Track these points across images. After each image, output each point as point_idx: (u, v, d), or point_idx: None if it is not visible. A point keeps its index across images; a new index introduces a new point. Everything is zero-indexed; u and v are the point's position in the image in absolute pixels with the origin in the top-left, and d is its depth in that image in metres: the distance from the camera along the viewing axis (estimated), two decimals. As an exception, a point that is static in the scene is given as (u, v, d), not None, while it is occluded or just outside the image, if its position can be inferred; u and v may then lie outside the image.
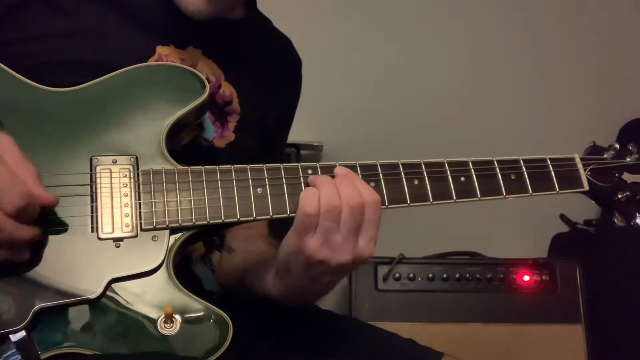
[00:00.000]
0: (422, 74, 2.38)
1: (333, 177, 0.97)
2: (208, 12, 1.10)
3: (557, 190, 1.08)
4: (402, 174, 1.02)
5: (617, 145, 1.13)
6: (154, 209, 0.94)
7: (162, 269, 0.92)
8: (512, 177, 1.06)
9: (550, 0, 2.43)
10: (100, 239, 0.92)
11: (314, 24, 2.27)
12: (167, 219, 0.94)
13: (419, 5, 2.37)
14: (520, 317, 1.86)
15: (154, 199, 0.95)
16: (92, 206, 0.93)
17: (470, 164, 1.05)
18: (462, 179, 1.04)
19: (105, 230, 0.92)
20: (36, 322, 0.87)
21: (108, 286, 0.90)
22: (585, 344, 1.85)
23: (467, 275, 1.90)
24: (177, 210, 0.95)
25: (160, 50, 1.13)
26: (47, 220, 0.88)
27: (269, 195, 0.97)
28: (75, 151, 0.95)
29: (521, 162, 1.07)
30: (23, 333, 0.85)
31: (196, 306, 0.92)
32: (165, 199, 0.95)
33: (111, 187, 0.94)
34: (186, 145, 1.08)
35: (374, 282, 1.88)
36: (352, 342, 1.16)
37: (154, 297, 0.91)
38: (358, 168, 1.01)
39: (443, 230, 2.26)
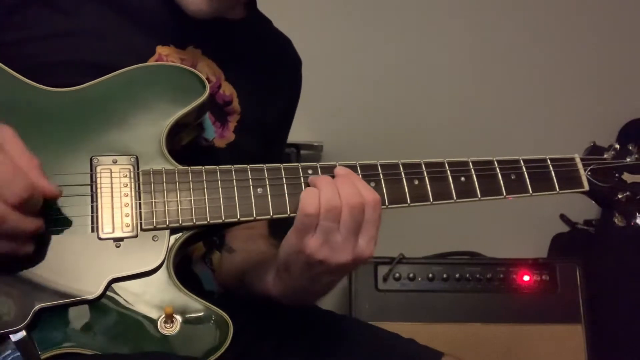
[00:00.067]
0: (422, 74, 2.38)
1: (333, 177, 0.97)
2: (209, 11, 1.10)
3: (557, 190, 1.09)
4: (403, 174, 1.02)
5: (617, 146, 1.13)
6: (154, 209, 0.94)
7: (163, 269, 0.92)
8: (512, 177, 1.06)
9: (550, 0, 2.43)
10: (100, 239, 0.92)
11: (314, 24, 2.27)
12: (167, 219, 0.94)
13: (419, 5, 2.37)
14: (520, 317, 1.86)
15: (154, 199, 0.95)
16: (92, 206, 0.93)
17: (470, 164, 1.05)
18: (463, 179, 1.04)
19: (106, 230, 0.92)
20: (36, 322, 0.87)
21: (108, 286, 0.90)
22: (585, 344, 1.85)
23: (467, 275, 1.90)
24: (178, 210, 0.95)
25: (160, 50, 1.13)
26: (47, 220, 0.88)
27: (269, 195, 0.97)
28: (75, 151, 0.95)
29: (521, 162, 1.07)
30: (23, 333, 0.85)
31: (196, 306, 0.92)
32: (166, 199, 0.95)
33: (111, 187, 0.94)
34: (186, 146, 1.07)
35: (374, 282, 1.88)
36: (352, 342, 1.16)
37: (154, 297, 0.91)
38: (358, 168, 1.01)
39: (443, 230, 2.26)
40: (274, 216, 0.97)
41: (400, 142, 2.23)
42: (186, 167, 0.97)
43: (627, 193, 1.11)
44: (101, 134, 0.97)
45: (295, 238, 0.93)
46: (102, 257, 0.91)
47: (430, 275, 1.89)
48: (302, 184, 0.98)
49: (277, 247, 0.99)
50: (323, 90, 2.07)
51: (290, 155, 2.01)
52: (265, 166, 0.99)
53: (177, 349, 0.89)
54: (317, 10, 2.32)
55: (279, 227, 1.05)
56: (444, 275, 1.89)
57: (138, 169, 0.96)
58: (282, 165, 0.99)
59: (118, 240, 0.92)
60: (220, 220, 0.96)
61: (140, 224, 0.93)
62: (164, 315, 0.90)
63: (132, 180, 0.95)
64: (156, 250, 0.93)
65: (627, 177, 1.12)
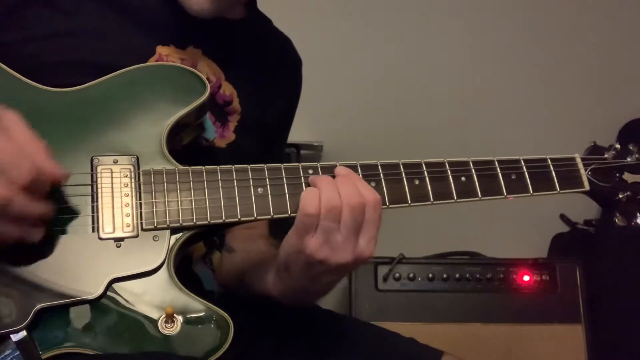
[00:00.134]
0: (422, 74, 2.38)
1: (334, 177, 0.97)
2: (212, 10, 1.10)
3: (558, 190, 1.09)
4: (403, 173, 1.02)
5: (617, 145, 1.13)
6: (154, 209, 0.94)
7: (163, 269, 0.92)
8: (513, 177, 1.06)
9: (550, 0, 2.43)
10: (101, 238, 0.92)
11: (314, 24, 2.27)
12: (167, 219, 0.94)
13: (419, 5, 2.37)
14: (520, 317, 1.86)
15: (155, 199, 0.95)
16: (93, 206, 0.93)
17: (471, 163, 1.05)
18: (463, 178, 1.04)
19: (106, 230, 0.92)
20: (37, 322, 0.87)
21: (109, 286, 0.90)
22: (585, 344, 1.85)
23: (467, 275, 1.90)
24: (178, 210, 0.95)
25: (161, 50, 1.13)
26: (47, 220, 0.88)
27: (269, 195, 0.97)
28: (76, 151, 0.95)
29: (522, 162, 1.07)
30: (24, 333, 0.85)
31: (197, 306, 0.92)
32: (166, 199, 0.95)
33: (112, 187, 0.94)
34: (187, 146, 1.07)
35: (374, 282, 1.88)
36: (352, 342, 1.16)
37: (154, 297, 0.91)
38: (359, 168, 1.01)
39: (443, 230, 2.26)
40: (275, 216, 0.97)
41: (400, 142, 2.23)
42: (187, 167, 0.97)
43: (628, 193, 1.11)
44: (102, 134, 0.97)
45: (295, 238, 0.93)
46: (103, 257, 0.91)
47: (430, 275, 1.89)
48: (303, 184, 0.98)
49: (277, 247, 0.99)
50: (323, 90, 2.07)
51: (290, 155, 2.01)
52: (265, 166, 0.99)
53: (177, 349, 0.89)
54: (317, 10, 2.32)
55: (279, 227, 1.05)
56: (444, 275, 1.89)
57: (139, 168, 0.96)
58: (282, 165, 0.99)
59: (118, 240, 0.92)
60: (221, 220, 0.96)
61: (141, 223, 0.93)
62: (164, 315, 0.90)
63: (133, 180, 0.95)
64: (157, 250, 0.93)
65: (628, 177, 1.12)
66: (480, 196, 1.05)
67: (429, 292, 1.88)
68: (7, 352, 0.85)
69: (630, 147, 1.13)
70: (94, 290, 0.89)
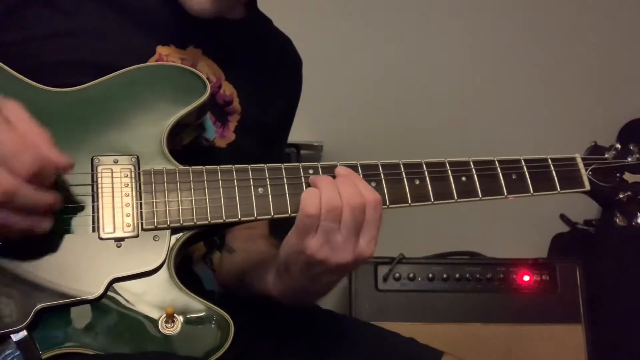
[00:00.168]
0: (422, 74, 2.38)
1: (334, 177, 0.97)
2: (212, 10, 1.10)
3: (559, 190, 1.09)
4: (403, 173, 1.02)
5: (618, 145, 1.13)
6: (155, 209, 0.94)
7: (164, 269, 0.92)
8: (513, 177, 1.06)
9: (550, 0, 2.43)
10: (101, 238, 0.91)
11: (314, 24, 2.27)
12: (168, 219, 0.94)
13: (419, 5, 2.37)
14: (520, 317, 1.86)
15: (155, 198, 0.94)
16: (93, 206, 0.93)
17: (471, 163, 1.05)
18: (464, 178, 1.04)
19: (107, 230, 0.92)
20: (37, 322, 0.87)
21: (109, 286, 0.90)
22: (585, 344, 1.85)
23: (467, 275, 1.90)
24: (178, 210, 0.95)
25: (161, 50, 1.13)
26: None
27: (270, 195, 0.97)
28: (76, 151, 0.94)
29: (522, 162, 1.07)
30: (24, 333, 0.85)
31: (197, 306, 0.92)
32: (167, 199, 0.95)
33: (112, 187, 0.94)
34: (187, 146, 1.07)
35: (374, 282, 1.88)
36: (352, 342, 1.16)
37: (155, 297, 0.91)
38: (359, 168, 1.01)
39: (443, 230, 2.26)
40: (275, 216, 0.97)
41: (400, 142, 2.23)
42: (187, 167, 0.97)
43: (628, 193, 1.11)
44: (102, 134, 0.97)
45: (296, 238, 0.93)
46: (103, 257, 0.91)
47: (430, 275, 1.89)
48: (303, 184, 0.98)
49: (277, 247, 0.99)
50: (323, 90, 2.07)
51: (290, 155, 2.01)
52: (266, 166, 0.99)
53: (178, 349, 0.89)
54: (317, 10, 2.32)
55: (279, 227, 1.05)
56: (444, 275, 1.89)
57: (139, 168, 0.96)
58: (283, 165, 0.99)
59: (119, 240, 0.92)
60: (221, 220, 0.96)
61: (141, 223, 0.93)
62: (165, 315, 0.90)
63: (133, 180, 0.95)
64: (157, 250, 0.93)
65: (628, 177, 1.12)
66: (480, 196, 1.05)
67: (429, 292, 1.88)
68: (8, 352, 0.85)
69: (631, 147, 1.13)
70: (95, 290, 0.89)
